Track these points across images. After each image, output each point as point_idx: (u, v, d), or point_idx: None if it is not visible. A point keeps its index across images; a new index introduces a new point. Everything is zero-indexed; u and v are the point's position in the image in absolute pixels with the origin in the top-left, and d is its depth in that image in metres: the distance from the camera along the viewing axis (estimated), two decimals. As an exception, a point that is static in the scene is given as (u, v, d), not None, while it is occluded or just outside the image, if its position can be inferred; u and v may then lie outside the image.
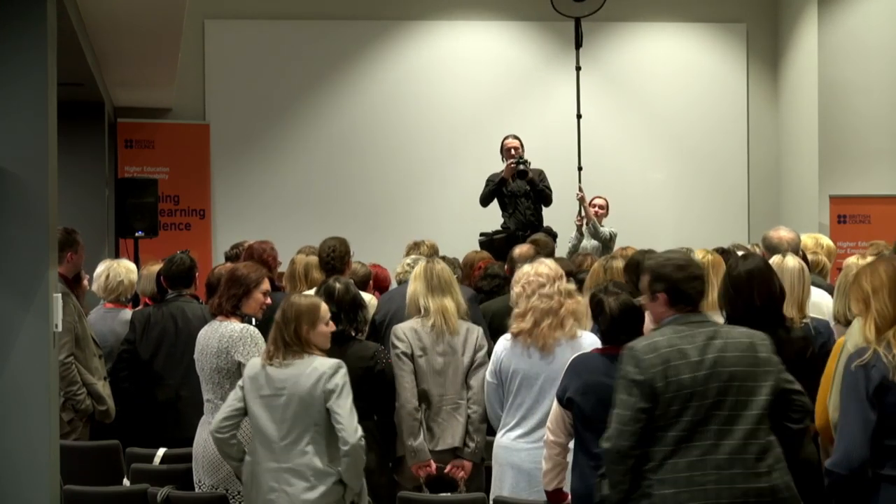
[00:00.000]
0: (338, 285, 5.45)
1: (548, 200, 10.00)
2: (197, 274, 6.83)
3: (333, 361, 4.74)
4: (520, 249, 7.17)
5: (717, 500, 3.92)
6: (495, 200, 10.14)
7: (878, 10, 11.97)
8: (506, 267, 7.19)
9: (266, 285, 5.67)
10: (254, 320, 5.74)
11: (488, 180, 10.13)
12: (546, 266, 5.29)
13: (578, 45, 11.19)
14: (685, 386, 3.95)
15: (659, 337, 4.05)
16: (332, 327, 4.98)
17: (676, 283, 4.12)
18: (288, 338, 4.76)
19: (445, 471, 5.47)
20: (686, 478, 3.93)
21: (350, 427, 4.62)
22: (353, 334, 5.45)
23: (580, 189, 10.64)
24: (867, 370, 3.76)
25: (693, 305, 4.13)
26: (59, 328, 5.07)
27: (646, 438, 3.96)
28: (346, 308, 5.36)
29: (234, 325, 5.44)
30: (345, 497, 4.73)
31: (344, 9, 12.82)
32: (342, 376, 4.70)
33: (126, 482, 5.75)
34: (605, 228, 10.31)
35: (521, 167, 9.87)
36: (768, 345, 4.09)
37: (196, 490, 5.40)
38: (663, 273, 4.16)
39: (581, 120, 11.26)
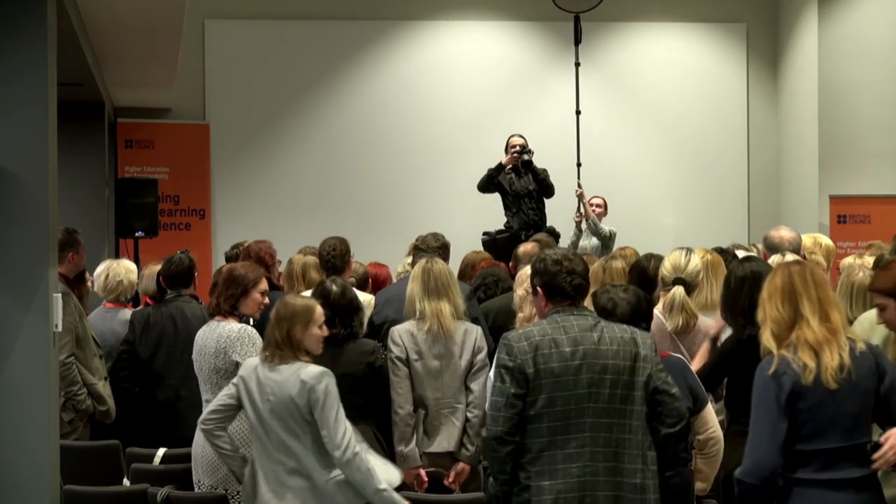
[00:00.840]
0: (334, 287, 5.41)
1: (550, 191, 10.05)
2: (196, 274, 6.83)
3: (318, 370, 4.63)
4: (524, 248, 7.19)
5: (592, 492, 4.02)
6: (499, 200, 10.17)
7: (878, 10, 11.97)
8: (510, 265, 7.19)
9: (264, 285, 5.66)
10: (251, 320, 5.73)
11: (488, 172, 10.18)
12: None
13: (578, 41, 11.20)
14: (554, 374, 4.03)
15: (534, 328, 4.16)
16: (325, 331, 4.88)
17: (552, 276, 4.21)
18: (279, 338, 4.68)
19: (448, 480, 5.46)
20: (563, 469, 4.02)
21: (336, 439, 4.52)
22: (355, 335, 5.43)
23: (579, 185, 10.65)
24: (778, 378, 3.74)
25: (571, 299, 4.21)
26: (59, 328, 5.07)
27: (523, 429, 4.04)
28: (340, 311, 5.32)
29: (231, 326, 5.44)
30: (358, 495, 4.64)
31: (344, 9, 12.82)
32: (326, 385, 4.58)
33: (126, 482, 5.75)
34: (605, 227, 10.33)
35: (525, 156, 9.92)
36: (650, 343, 4.15)
37: (195, 490, 5.40)
38: (540, 268, 4.27)
39: (581, 119, 11.25)
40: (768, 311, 3.89)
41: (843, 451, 3.75)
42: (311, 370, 4.62)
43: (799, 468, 3.76)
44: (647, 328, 4.58)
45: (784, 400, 3.71)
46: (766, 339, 3.85)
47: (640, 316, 4.58)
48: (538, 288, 4.25)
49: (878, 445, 3.76)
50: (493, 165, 10.14)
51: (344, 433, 4.53)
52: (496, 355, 4.18)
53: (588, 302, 4.43)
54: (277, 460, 4.67)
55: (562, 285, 4.20)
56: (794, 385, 3.72)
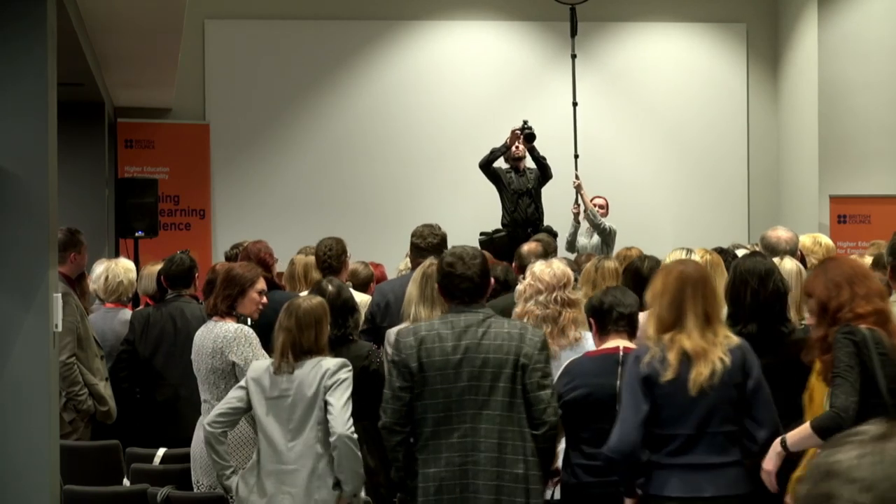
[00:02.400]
0: (329, 287, 5.43)
1: (547, 170, 10.13)
2: (197, 274, 6.83)
3: (339, 360, 4.75)
4: (528, 247, 7.22)
5: (473, 480, 4.25)
6: (497, 199, 10.20)
7: (878, 9, 11.98)
8: (514, 264, 7.19)
9: (261, 285, 5.65)
10: (249, 320, 5.72)
11: (492, 149, 10.24)
12: (551, 272, 5.24)
13: (574, 33, 11.23)
14: (437, 367, 4.27)
15: (424, 323, 4.45)
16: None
17: (443, 278, 4.46)
18: (306, 343, 4.74)
19: None
20: (446, 458, 4.28)
21: (341, 418, 4.60)
22: (351, 337, 5.43)
23: (577, 176, 10.65)
24: (639, 364, 4.01)
25: (461, 298, 4.43)
26: (59, 328, 5.07)
27: (414, 419, 4.31)
28: (333, 312, 5.31)
29: (228, 326, 5.43)
30: (342, 497, 4.68)
31: (344, 9, 12.83)
32: (345, 373, 4.70)
33: (126, 482, 5.75)
34: (606, 222, 10.31)
35: (528, 131, 9.96)
36: (538, 342, 4.32)
37: (194, 490, 5.40)
38: (439, 269, 4.53)
39: (581, 119, 11.28)
40: (656, 307, 4.10)
41: (698, 438, 3.97)
42: (333, 360, 4.76)
43: (656, 451, 4.01)
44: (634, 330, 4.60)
45: (641, 382, 3.98)
46: (649, 329, 4.10)
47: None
48: (438, 286, 4.55)
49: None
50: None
51: (349, 417, 4.64)
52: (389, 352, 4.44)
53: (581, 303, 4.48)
54: (285, 461, 4.69)
55: (450, 287, 4.45)
56: (651, 374, 3.97)
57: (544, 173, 10.14)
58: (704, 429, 3.98)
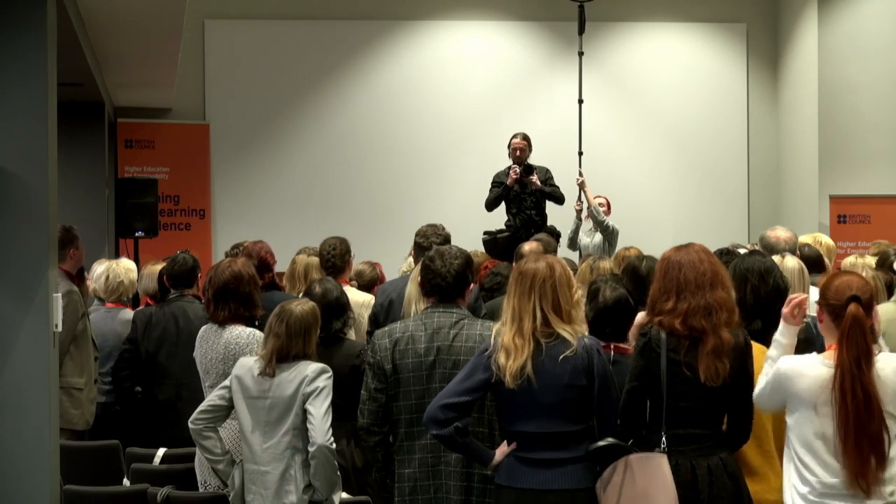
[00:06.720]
0: (316, 289, 5.45)
1: (560, 200, 10.09)
2: (199, 275, 6.83)
3: (319, 366, 4.69)
4: (528, 246, 7.22)
5: (445, 481, 4.34)
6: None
7: (878, 10, 11.98)
8: (513, 264, 7.20)
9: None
10: (255, 321, 5.70)
11: (494, 180, 10.23)
12: None
13: (581, 30, 11.22)
14: (409, 369, 4.35)
15: (399, 324, 4.49)
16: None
17: (423, 270, 4.53)
18: (297, 348, 4.70)
19: None
20: (419, 458, 4.37)
21: (321, 429, 4.55)
22: (342, 336, 5.43)
23: (580, 174, 10.65)
24: (489, 360, 4.06)
25: (434, 296, 4.50)
26: (59, 328, 5.07)
27: (391, 420, 4.39)
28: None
29: (240, 330, 5.39)
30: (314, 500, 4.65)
31: (344, 9, 12.83)
32: (324, 380, 4.64)
33: (126, 482, 5.74)
34: (609, 221, 10.30)
35: (525, 183, 10.04)
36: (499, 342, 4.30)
37: (201, 490, 5.38)
38: (422, 262, 4.58)
39: (583, 118, 11.27)
40: (506, 304, 4.14)
41: (539, 437, 4.02)
42: (313, 365, 4.70)
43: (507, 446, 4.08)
44: (618, 331, 4.57)
45: (481, 380, 4.02)
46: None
47: (611, 317, 4.56)
48: (419, 280, 4.60)
49: (599, 449, 4.02)
50: (494, 169, 10.32)
51: (329, 427, 4.57)
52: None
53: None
54: (260, 461, 4.68)
55: (424, 282, 4.52)
56: (497, 373, 4.03)
57: (556, 202, 10.18)
58: (545, 429, 4.02)
